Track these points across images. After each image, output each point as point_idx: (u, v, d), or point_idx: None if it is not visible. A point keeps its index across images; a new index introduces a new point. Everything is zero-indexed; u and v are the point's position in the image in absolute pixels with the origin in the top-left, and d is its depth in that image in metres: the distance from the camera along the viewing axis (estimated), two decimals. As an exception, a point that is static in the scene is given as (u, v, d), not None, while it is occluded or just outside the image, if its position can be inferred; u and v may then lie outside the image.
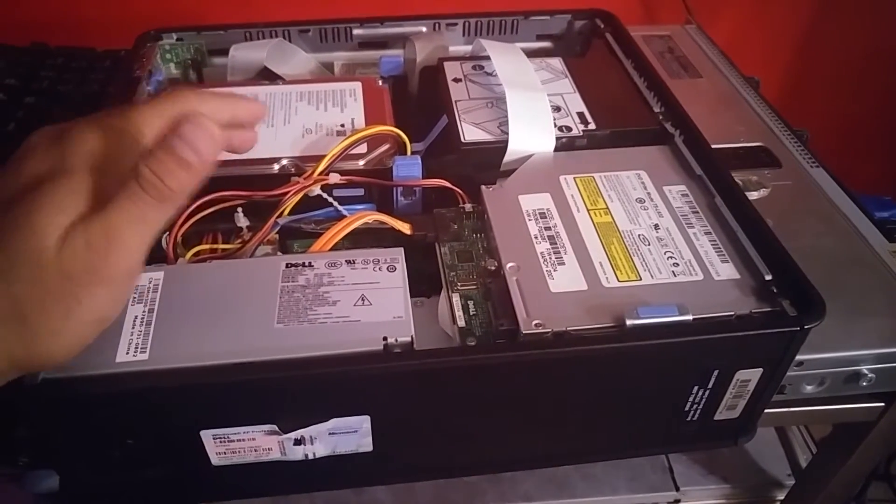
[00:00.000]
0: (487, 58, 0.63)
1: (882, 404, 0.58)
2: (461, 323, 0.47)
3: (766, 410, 0.51)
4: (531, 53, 0.66)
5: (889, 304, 0.55)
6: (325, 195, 0.53)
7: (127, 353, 0.41)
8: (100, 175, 0.38)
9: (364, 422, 0.44)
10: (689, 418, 0.49)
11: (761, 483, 0.79)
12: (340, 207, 0.53)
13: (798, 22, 1.18)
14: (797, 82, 1.23)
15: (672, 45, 0.86)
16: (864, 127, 1.27)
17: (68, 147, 0.38)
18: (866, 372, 0.53)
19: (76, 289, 0.36)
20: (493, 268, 0.49)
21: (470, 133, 0.58)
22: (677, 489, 0.78)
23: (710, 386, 0.47)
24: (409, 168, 0.54)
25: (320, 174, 0.53)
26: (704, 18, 0.93)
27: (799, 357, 0.51)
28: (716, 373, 0.46)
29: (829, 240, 0.60)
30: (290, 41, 0.72)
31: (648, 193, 0.54)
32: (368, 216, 0.51)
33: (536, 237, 0.50)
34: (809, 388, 0.54)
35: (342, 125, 0.59)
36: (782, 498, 0.78)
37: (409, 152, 0.57)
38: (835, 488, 0.68)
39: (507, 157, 0.56)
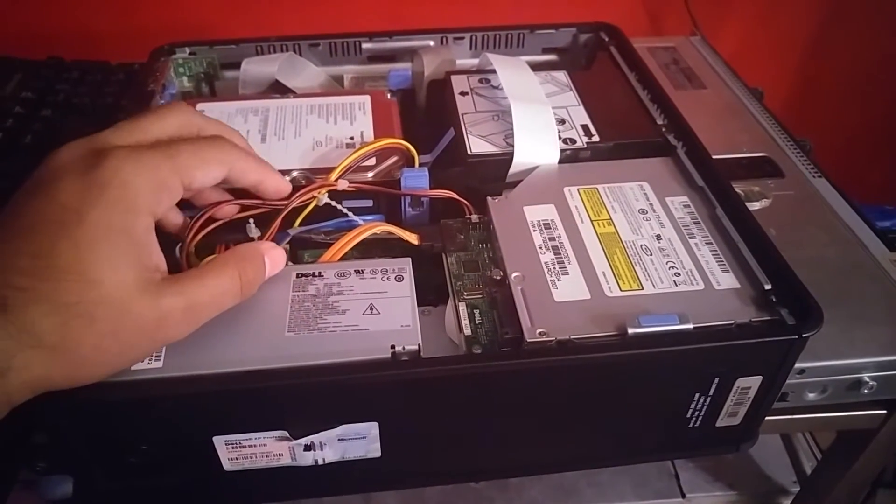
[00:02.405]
0: (494, 71, 0.64)
1: (885, 412, 0.58)
2: (467, 331, 0.48)
3: (770, 418, 0.52)
4: (537, 66, 0.67)
5: (890, 313, 0.55)
6: (334, 203, 0.54)
7: (142, 361, 0.42)
8: (149, 217, 0.40)
9: (372, 428, 0.45)
10: (691, 425, 0.49)
11: (767, 490, 0.79)
12: (351, 214, 0.54)
13: (802, 33, 1.19)
14: (801, 93, 1.23)
15: (677, 57, 0.87)
16: (868, 137, 1.28)
17: (116, 186, 0.39)
18: (868, 380, 0.54)
19: (138, 338, 0.39)
20: (498, 277, 0.50)
21: (476, 145, 0.59)
22: (683, 496, 0.78)
23: (711, 393, 0.47)
24: (416, 179, 0.55)
25: (330, 182, 0.54)
26: (710, 30, 0.94)
27: (801, 365, 0.52)
28: (716, 380, 0.46)
29: (830, 249, 0.61)
30: (300, 55, 0.73)
31: (651, 204, 0.55)
32: (377, 227, 0.52)
33: (541, 247, 0.51)
34: (812, 396, 0.55)
35: (351, 138, 0.60)
36: (788, 505, 0.79)
37: (416, 164, 0.58)
38: (839, 495, 0.68)
39: (513, 169, 0.57)
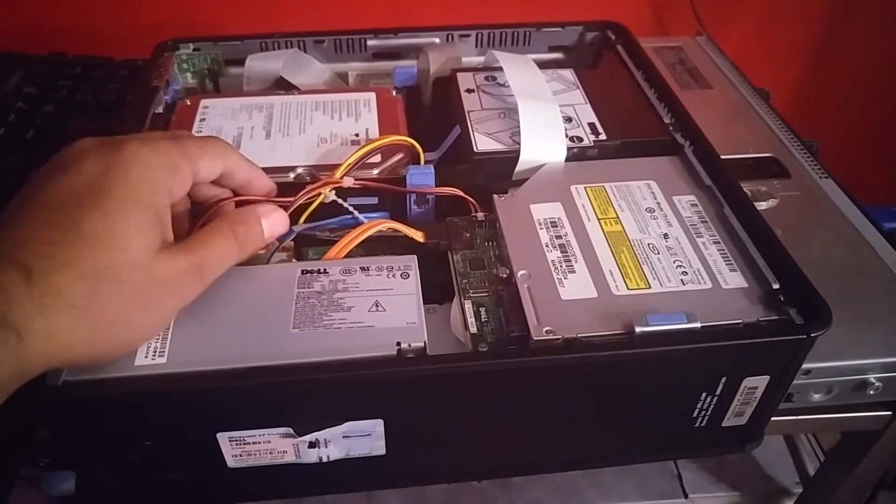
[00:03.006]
0: (500, 69, 0.64)
1: (889, 413, 0.58)
2: (473, 329, 0.47)
3: (774, 418, 0.52)
4: (543, 65, 0.67)
5: (896, 314, 0.55)
6: (340, 201, 0.53)
7: (146, 357, 0.42)
8: (167, 197, 0.42)
9: (377, 425, 0.45)
10: (697, 425, 0.49)
11: (770, 491, 0.79)
12: (356, 212, 0.54)
13: (809, 34, 1.19)
14: (808, 94, 1.23)
15: (683, 57, 0.87)
16: (875, 138, 1.28)
17: (138, 165, 0.41)
18: (873, 380, 0.54)
19: (159, 298, 0.41)
20: (504, 275, 0.50)
21: (482, 143, 0.59)
22: (686, 496, 0.78)
23: (717, 393, 0.47)
24: (422, 177, 0.55)
25: (335, 179, 0.54)
26: (716, 30, 0.94)
27: (806, 365, 0.51)
28: (723, 380, 0.46)
29: (837, 250, 0.61)
30: (305, 51, 0.73)
31: (658, 203, 0.54)
32: (382, 224, 0.52)
33: (547, 245, 0.51)
34: (817, 397, 0.55)
35: (356, 135, 0.60)
36: (790, 506, 0.78)
37: (422, 162, 0.58)
38: (842, 496, 0.68)
39: (519, 167, 0.57)
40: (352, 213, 0.53)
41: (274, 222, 0.48)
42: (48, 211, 0.38)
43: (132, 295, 0.39)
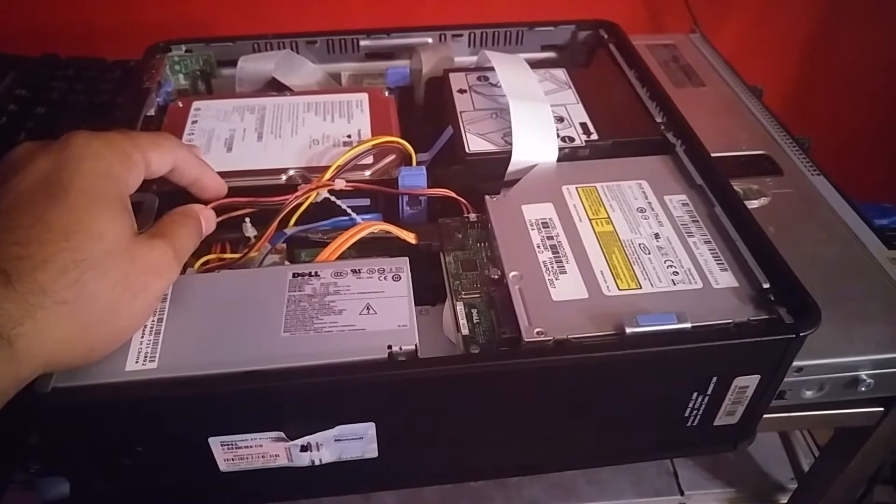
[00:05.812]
0: (492, 69, 0.64)
1: (881, 409, 0.59)
2: (465, 331, 0.47)
3: (767, 415, 0.52)
4: (535, 64, 0.67)
5: (888, 311, 0.55)
6: (332, 198, 0.53)
7: (136, 362, 0.42)
8: (125, 187, 0.43)
9: (369, 428, 0.45)
10: (689, 424, 0.49)
11: (765, 487, 0.79)
12: (350, 210, 0.54)
13: (802, 31, 1.19)
14: (801, 91, 1.23)
15: (677, 54, 0.87)
16: (867, 135, 1.28)
17: (90, 157, 0.41)
18: (865, 377, 0.54)
19: (144, 280, 0.41)
20: (496, 276, 0.50)
21: (474, 144, 0.59)
22: (682, 493, 0.78)
23: (709, 392, 0.47)
24: (414, 178, 0.55)
25: (326, 181, 0.54)
26: (710, 27, 0.94)
27: (798, 363, 0.51)
28: (714, 379, 0.46)
29: (829, 247, 0.60)
30: (297, 52, 0.73)
31: (649, 203, 0.54)
32: (374, 226, 0.52)
33: (539, 246, 0.51)
34: (809, 394, 0.55)
35: (349, 136, 0.60)
36: (785, 502, 0.78)
37: (414, 163, 0.58)
38: (836, 492, 0.68)
39: (511, 168, 0.57)
40: (346, 211, 0.54)
41: (208, 219, 0.49)
42: (10, 213, 0.38)
43: (119, 283, 0.39)
